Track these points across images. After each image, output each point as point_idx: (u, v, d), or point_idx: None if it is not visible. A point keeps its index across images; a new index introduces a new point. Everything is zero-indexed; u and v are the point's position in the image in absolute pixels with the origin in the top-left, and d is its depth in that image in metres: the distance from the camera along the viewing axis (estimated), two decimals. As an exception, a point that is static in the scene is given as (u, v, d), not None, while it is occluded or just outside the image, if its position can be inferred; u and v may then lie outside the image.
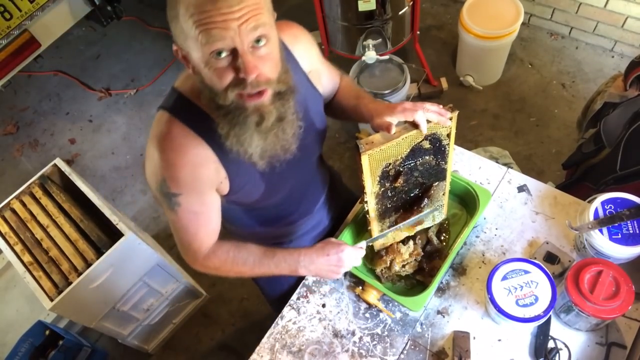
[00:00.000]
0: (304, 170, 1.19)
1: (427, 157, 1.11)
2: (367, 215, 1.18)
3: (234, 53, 0.81)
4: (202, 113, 0.94)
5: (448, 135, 1.08)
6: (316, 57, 1.13)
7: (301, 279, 1.39)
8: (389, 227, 1.25)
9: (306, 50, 1.08)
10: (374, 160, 1.04)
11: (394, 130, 0.99)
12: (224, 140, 0.91)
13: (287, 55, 0.99)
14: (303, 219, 1.32)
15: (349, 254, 1.13)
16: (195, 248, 1.08)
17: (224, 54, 0.80)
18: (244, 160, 0.94)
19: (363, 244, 1.18)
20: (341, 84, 1.25)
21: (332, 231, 1.45)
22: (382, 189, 1.13)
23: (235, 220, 1.24)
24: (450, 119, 1.03)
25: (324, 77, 1.18)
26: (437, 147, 1.10)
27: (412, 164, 1.10)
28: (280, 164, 1.00)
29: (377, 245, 1.29)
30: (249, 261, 1.12)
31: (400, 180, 1.12)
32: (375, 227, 1.22)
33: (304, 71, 1.07)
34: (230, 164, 0.99)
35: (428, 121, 1.01)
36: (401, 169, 1.10)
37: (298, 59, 1.05)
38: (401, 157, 1.07)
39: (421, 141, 1.06)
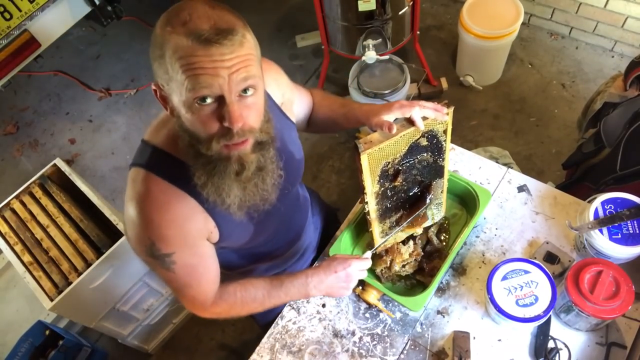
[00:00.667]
0: (289, 203, 1.15)
1: (425, 155, 1.11)
2: (368, 217, 1.18)
3: (220, 100, 0.78)
4: (180, 163, 0.88)
5: (444, 132, 1.08)
6: (285, 85, 1.10)
7: None
8: (389, 228, 1.25)
9: (276, 80, 1.07)
10: (373, 160, 1.04)
11: (395, 129, 0.99)
12: (201, 190, 0.87)
13: None
14: (293, 247, 1.29)
15: (356, 268, 1.12)
16: (202, 300, 1.05)
17: (208, 100, 0.77)
18: (222, 210, 0.90)
19: (368, 254, 1.18)
20: (315, 99, 1.24)
21: (321, 246, 1.44)
22: (382, 189, 1.13)
23: (226, 263, 1.16)
24: (447, 114, 1.03)
25: (297, 102, 1.17)
26: (434, 144, 1.10)
27: (410, 162, 1.11)
28: (263, 207, 0.96)
29: (397, 261, 1.29)
30: (258, 297, 1.10)
31: (400, 179, 1.12)
32: (376, 228, 1.22)
33: (277, 103, 1.06)
34: (217, 213, 0.94)
35: (425, 118, 1.02)
36: (400, 168, 1.10)
37: (269, 92, 1.03)
38: (399, 155, 1.07)
39: (419, 138, 1.06)
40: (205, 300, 1.05)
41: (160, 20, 0.78)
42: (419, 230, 1.30)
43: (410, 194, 1.21)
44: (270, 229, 1.12)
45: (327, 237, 1.45)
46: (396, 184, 1.13)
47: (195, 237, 0.96)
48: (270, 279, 1.12)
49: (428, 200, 1.22)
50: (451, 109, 1.04)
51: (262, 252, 1.20)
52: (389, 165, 1.08)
